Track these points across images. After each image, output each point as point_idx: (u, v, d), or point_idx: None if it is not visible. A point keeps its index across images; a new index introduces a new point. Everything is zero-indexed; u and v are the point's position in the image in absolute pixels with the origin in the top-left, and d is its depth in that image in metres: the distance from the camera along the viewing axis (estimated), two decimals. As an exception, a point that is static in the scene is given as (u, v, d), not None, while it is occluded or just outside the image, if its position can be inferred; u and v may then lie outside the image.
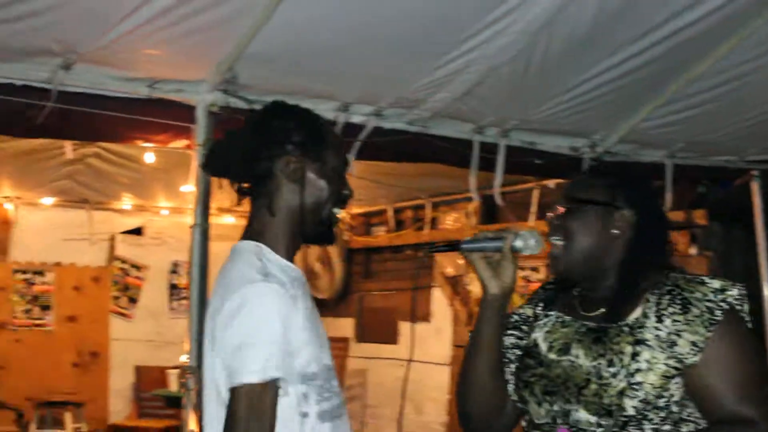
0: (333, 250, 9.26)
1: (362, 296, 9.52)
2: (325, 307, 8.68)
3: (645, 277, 2.28)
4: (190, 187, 4.24)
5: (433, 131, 4.68)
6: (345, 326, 9.51)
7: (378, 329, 9.11)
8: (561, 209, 2.32)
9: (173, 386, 8.30)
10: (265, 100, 4.09)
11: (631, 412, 2.15)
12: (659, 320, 2.20)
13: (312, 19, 3.64)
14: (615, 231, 2.29)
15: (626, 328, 2.22)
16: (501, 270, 2.35)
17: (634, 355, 2.18)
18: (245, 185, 2.28)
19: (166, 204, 8.91)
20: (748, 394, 2.14)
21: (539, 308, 2.45)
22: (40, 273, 9.17)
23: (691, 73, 4.37)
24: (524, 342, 2.42)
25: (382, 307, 9.13)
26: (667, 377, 2.15)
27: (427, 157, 4.95)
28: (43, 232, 8.96)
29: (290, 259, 2.24)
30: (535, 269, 7.23)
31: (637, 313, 2.24)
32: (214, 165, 2.31)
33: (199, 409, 3.68)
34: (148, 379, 9.00)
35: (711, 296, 2.20)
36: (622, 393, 2.16)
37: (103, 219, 9.03)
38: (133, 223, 9.37)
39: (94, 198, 8.60)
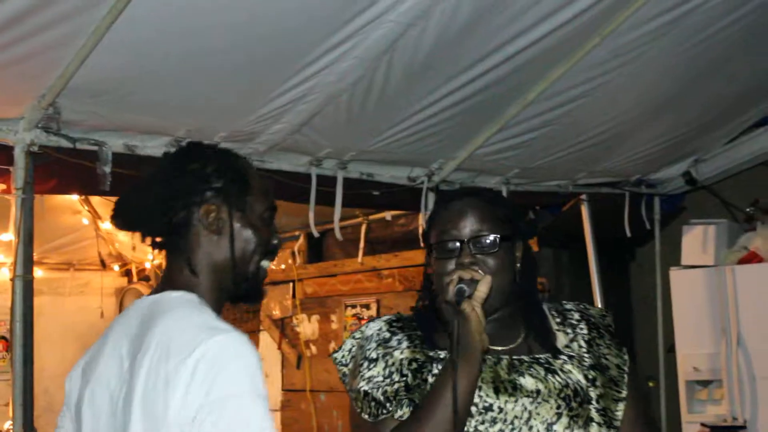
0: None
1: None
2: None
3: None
4: (9, 236, 3.90)
5: (269, 165, 4.47)
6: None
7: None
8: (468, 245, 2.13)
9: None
10: (91, 138, 3.86)
11: None
12: (590, 345, 2.16)
13: (141, 47, 3.36)
14: (518, 264, 2.19)
15: (564, 357, 2.13)
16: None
17: (591, 381, 2.11)
18: (158, 238, 2.00)
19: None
20: (648, 418, 2.22)
21: (421, 349, 2.18)
22: None
23: (526, 98, 4.37)
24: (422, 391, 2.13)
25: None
26: (615, 401, 2.12)
27: (262, 192, 4.73)
28: None
29: None
30: (366, 306, 7.08)
31: (562, 339, 2.17)
32: (124, 217, 2.02)
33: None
34: (-45, 449, 8.30)
35: (602, 321, 2.22)
36: (591, 421, 2.08)
37: None
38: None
39: None
